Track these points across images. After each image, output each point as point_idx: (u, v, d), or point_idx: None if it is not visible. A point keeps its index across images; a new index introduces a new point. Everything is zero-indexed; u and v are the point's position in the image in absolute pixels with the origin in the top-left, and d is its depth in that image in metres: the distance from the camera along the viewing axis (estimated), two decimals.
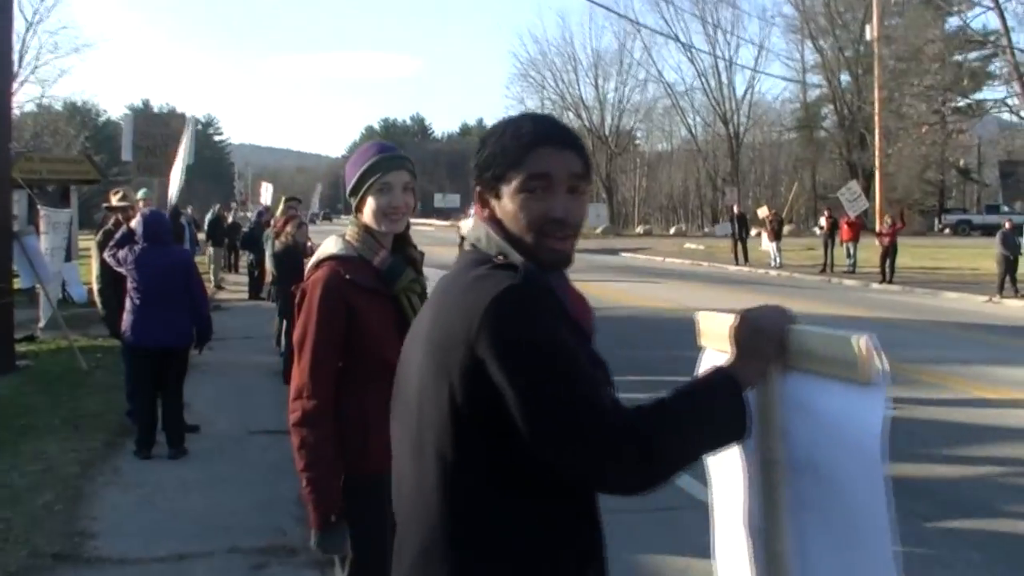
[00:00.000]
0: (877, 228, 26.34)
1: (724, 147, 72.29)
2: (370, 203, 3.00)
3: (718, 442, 1.74)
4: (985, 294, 20.29)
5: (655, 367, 10.92)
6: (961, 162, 64.57)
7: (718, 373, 1.74)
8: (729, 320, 1.83)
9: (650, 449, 1.62)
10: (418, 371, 1.79)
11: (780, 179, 73.37)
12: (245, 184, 68.04)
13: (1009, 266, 19.90)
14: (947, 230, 55.86)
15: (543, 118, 1.89)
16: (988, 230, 52.71)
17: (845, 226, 27.35)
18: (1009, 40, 26.03)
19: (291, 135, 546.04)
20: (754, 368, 1.74)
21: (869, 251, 27.86)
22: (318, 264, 3.05)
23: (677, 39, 66.92)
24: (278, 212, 14.51)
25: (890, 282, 23.62)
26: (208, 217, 25.37)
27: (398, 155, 3.09)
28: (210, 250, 23.59)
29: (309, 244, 10.44)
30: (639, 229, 69.19)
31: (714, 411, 1.70)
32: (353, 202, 3.08)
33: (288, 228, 10.46)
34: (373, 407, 2.86)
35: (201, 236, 25.31)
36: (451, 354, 1.68)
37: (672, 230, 68.88)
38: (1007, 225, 20.56)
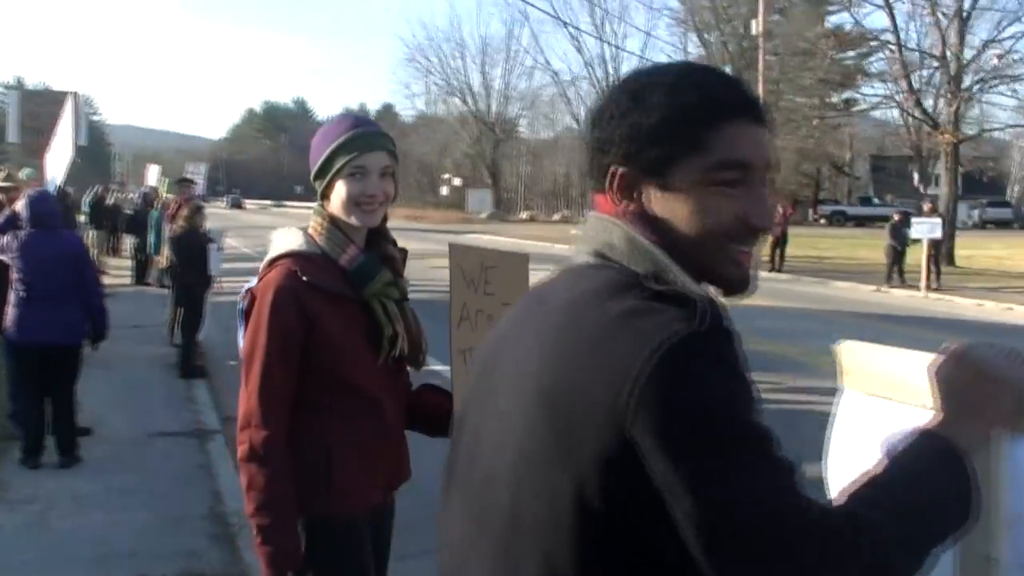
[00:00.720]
0: None
1: None
2: (339, 189, 2.45)
3: (943, 537, 1.21)
4: (872, 283, 20.76)
5: None
6: (848, 156, 66.71)
7: (932, 439, 1.22)
8: (919, 359, 1.32)
9: (885, 562, 1.14)
10: (512, 447, 1.23)
11: None
12: (125, 165, 65.26)
13: (897, 257, 20.39)
14: (822, 220, 57.67)
15: (729, 77, 1.33)
16: (861, 221, 55.21)
17: None
18: (898, 38, 26.84)
19: (171, 117, 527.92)
20: (976, 431, 1.24)
21: None
22: (272, 263, 2.49)
23: (566, 25, 66.77)
24: (164, 194, 13.64)
25: (779, 270, 23.99)
26: (87, 198, 24.08)
27: (377, 131, 2.53)
28: (92, 233, 22.41)
29: (202, 230, 9.76)
30: (524, 215, 69.56)
31: (938, 495, 1.19)
32: (319, 187, 2.52)
33: (184, 211, 9.74)
34: (337, 435, 2.43)
35: (81, 218, 24.11)
36: (581, 429, 1.13)
37: (556, 216, 69.26)
38: (896, 217, 21.06)
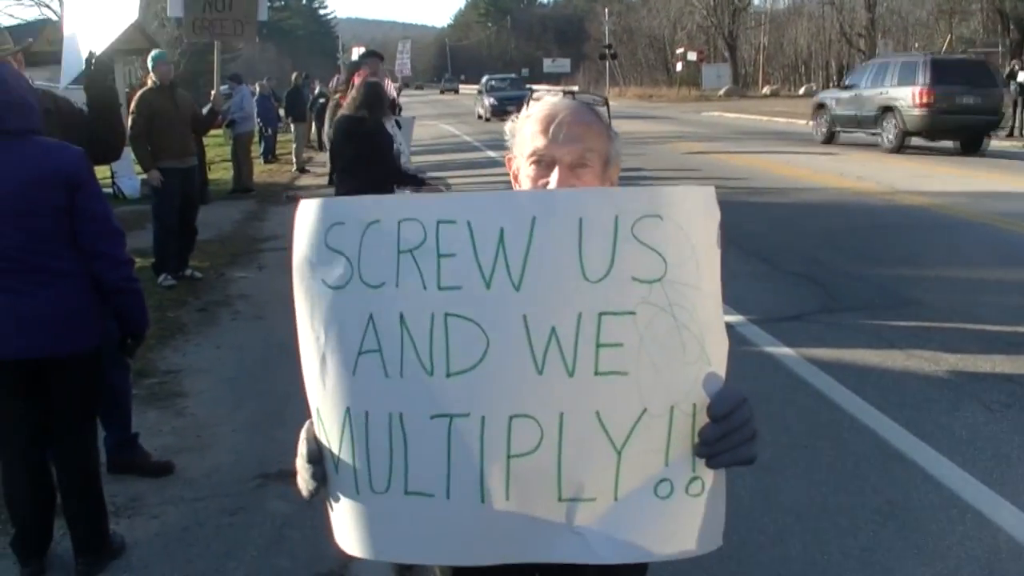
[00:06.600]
0: None
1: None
2: None
3: None
4: None
5: None
6: None
7: None
8: None
9: None
10: None
11: (918, 32, 65.48)
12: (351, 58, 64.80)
13: None
14: None
15: None
16: None
17: None
18: None
19: (396, 6, 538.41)
20: None
21: None
22: None
23: None
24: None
25: None
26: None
27: None
28: (292, 127, 20.29)
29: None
30: (765, 90, 63.71)
31: None
32: None
33: (352, 93, 6.33)
34: None
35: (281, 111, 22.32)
36: None
37: (802, 90, 63.11)
38: None
